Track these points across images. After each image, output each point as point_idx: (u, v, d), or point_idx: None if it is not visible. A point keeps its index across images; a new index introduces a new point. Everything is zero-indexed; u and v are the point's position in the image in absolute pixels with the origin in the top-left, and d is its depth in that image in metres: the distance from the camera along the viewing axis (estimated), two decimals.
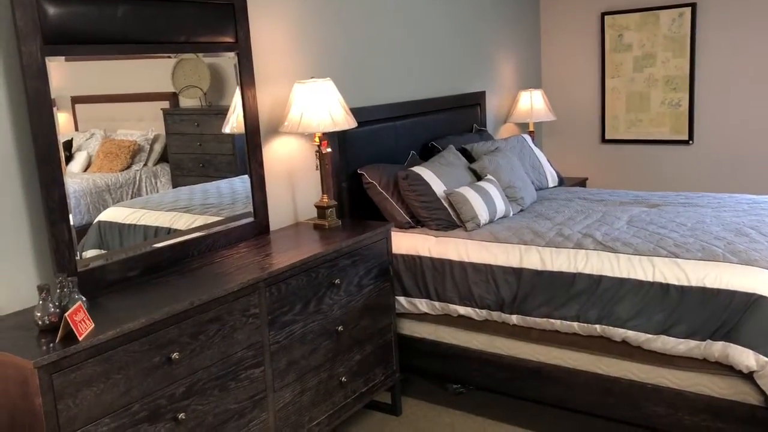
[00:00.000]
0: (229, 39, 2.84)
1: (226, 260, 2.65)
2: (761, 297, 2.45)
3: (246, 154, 2.97)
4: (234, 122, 2.97)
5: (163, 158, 2.75)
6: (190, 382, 2.19)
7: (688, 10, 4.69)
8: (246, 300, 2.39)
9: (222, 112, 2.96)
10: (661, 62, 4.87)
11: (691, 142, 4.86)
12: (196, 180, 2.90)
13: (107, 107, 2.58)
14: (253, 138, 2.98)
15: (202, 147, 2.93)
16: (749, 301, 2.46)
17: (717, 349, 2.48)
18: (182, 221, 2.79)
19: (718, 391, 2.54)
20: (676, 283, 2.63)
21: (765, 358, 2.37)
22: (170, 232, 2.71)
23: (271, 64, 3.11)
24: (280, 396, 2.56)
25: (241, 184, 3.01)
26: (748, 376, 2.45)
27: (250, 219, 3.00)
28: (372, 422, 3.24)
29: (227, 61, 2.91)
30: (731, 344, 2.44)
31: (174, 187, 2.80)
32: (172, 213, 2.79)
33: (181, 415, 2.15)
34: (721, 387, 2.53)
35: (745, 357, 2.40)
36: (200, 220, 2.83)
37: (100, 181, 2.54)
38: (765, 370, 2.38)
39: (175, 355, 2.12)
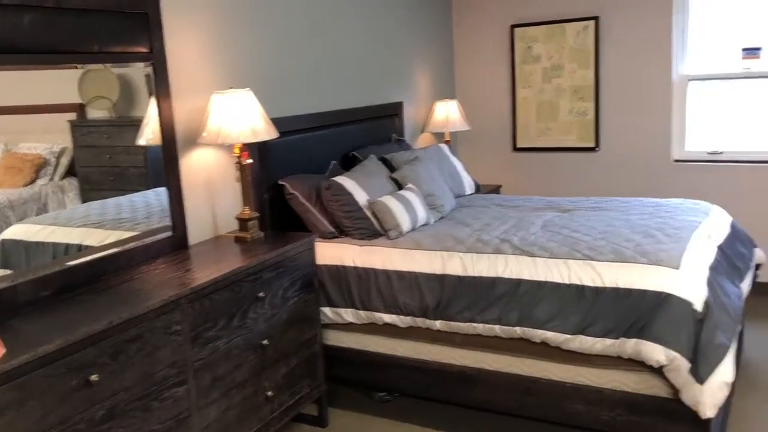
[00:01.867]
0: (143, 49, 2.77)
1: (145, 277, 2.57)
2: (669, 295, 2.59)
3: (163, 167, 2.89)
4: (149, 134, 2.89)
5: (70, 172, 2.64)
6: (111, 405, 2.10)
7: (592, 23, 4.92)
8: (168, 317, 2.32)
9: (133, 124, 2.87)
10: (568, 73, 5.08)
11: (597, 148, 5.09)
12: (107, 194, 2.80)
13: (7, 119, 2.45)
14: (169, 150, 2.91)
15: (113, 159, 2.83)
16: (658, 299, 2.59)
17: (630, 346, 2.60)
18: (94, 237, 2.69)
19: (632, 387, 2.67)
20: (591, 284, 2.74)
21: (674, 353, 2.50)
22: (82, 249, 2.60)
23: (188, 75, 3.04)
24: (204, 414, 2.50)
25: (156, 197, 2.93)
26: (659, 371, 2.58)
27: (169, 233, 2.91)
28: None
29: (137, 71, 2.83)
30: (643, 341, 2.57)
31: (83, 201, 2.70)
32: (84, 229, 2.68)
33: None
34: (635, 382, 2.66)
35: (656, 352, 2.53)
36: (114, 236, 2.73)
37: (1, 197, 2.41)
38: (673, 364, 2.51)
39: (93, 377, 2.03)
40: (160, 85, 2.85)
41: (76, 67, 2.62)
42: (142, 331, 2.22)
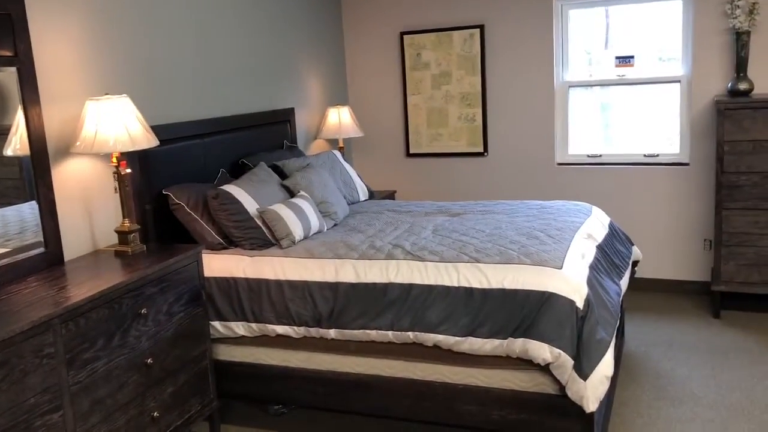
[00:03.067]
0: (6, 52, 2.58)
1: (14, 297, 2.40)
2: (552, 294, 2.68)
3: (33, 178, 2.71)
4: (17, 143, 2.70)
5: None
6: None
7: (477, 31, 5.05)
8: (38, 339, 2.17)
9: (5, 132, 2.68)
10: (456, 80, 5.20)
11: (486, 153, 5.23)
12: None
13: None
14: (40, 160, 2.73)
15: None
16: (542, 298, 2.68)
17: (518, 345, 2.67)
18: None
19: (520, 385, 2.74)
20: (479, 286, 2.80)
21: (558, 350, 2.59)
22: None
23: (60, 81, 2.87)
24: None
25: (31, 210, 2.75)
26: (546, 369, 2.66)
27: (41, 249, 2.73)
28: None
29: (9, 76, 2.64)
30: (529, 340, 2.65)
31: None
32: None
33: None
34: (523, 380, 2.73)
35: (542, 351, 2.61)
36: None
37: None
38: (558, 361, 2.60)
39: None
40: (27, 91, 2.67)
41: None
42: (8, 356, 2.06)
